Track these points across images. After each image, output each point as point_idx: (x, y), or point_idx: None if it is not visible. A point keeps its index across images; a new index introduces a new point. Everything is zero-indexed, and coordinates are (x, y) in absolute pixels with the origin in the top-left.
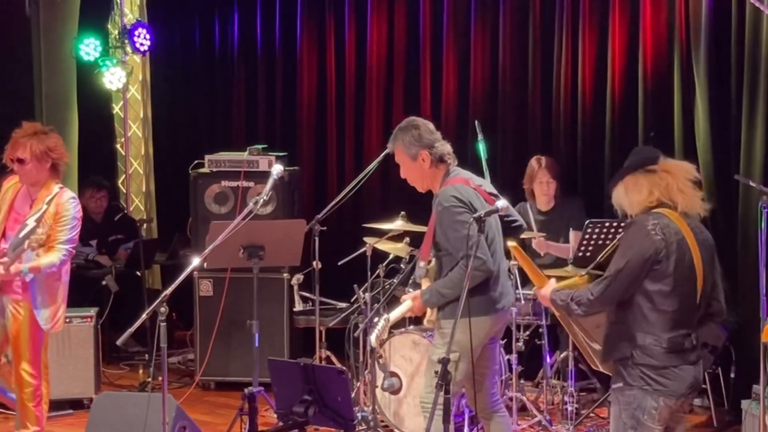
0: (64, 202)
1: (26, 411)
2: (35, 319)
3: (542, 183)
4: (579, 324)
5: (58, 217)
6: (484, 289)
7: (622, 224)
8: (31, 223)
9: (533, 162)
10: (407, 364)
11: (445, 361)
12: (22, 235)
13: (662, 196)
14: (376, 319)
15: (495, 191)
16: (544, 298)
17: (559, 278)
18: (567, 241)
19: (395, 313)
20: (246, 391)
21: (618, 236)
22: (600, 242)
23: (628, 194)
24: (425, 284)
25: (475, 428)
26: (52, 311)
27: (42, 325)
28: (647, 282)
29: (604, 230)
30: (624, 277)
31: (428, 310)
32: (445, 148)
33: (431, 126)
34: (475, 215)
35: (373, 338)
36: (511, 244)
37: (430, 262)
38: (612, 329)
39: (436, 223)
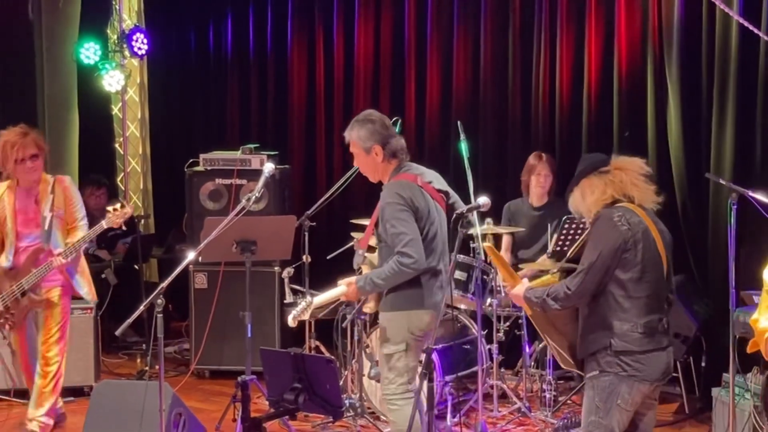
0: (69, 186)
1: (44, 392)
2: (68, 302)
3: (540, 175)
4: (551, 322)
5: (69, 200)
6: (417, 283)
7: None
8: (47, 215)
9: (534, 156)
10: None
11: (428, 351)
12: (45, 228)
13: (616, 193)
14: (299, 300)
15: (446, 188)
16: (517, 297)
17: (532, 277)
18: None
19: (323, 297)
20: (239, 379)
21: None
22: (577, 237)
23: (585, 198)
24: (365, 270)
25: (458, 414)
26: (88, 283)
27: (86, 297)
28: (618, 271)
29: (581, 226)
30: (597, 269)
31: (368, 298)
32: (399, 143)
33: (387, 121)
34: (457, 212)
35: (290, 318)
36: (486, 244)
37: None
38: (587, 323)
39: (378, 215)
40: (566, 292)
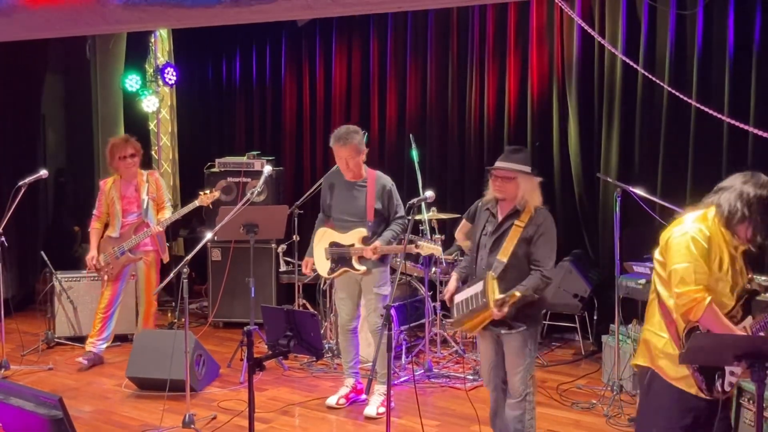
0: (158, 178)
1: (148, 321)
2: (159, 261)
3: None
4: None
5: (159, 188)
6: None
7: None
8: (145, 198)
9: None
10: (362, 307)
11: (387, 307)
12: (144, 207)
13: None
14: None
15: None
16: (500, 314)
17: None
18: None
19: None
20: (245, 328)
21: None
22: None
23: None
24: (356, 240)
25: (410, 355)
26: (166, 248)
27: (165, 258)
28: None
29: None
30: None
31: (359, 268)
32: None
33: None
34: (409, 202)
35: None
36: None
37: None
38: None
39: (383, 194)
40: (548, 279)
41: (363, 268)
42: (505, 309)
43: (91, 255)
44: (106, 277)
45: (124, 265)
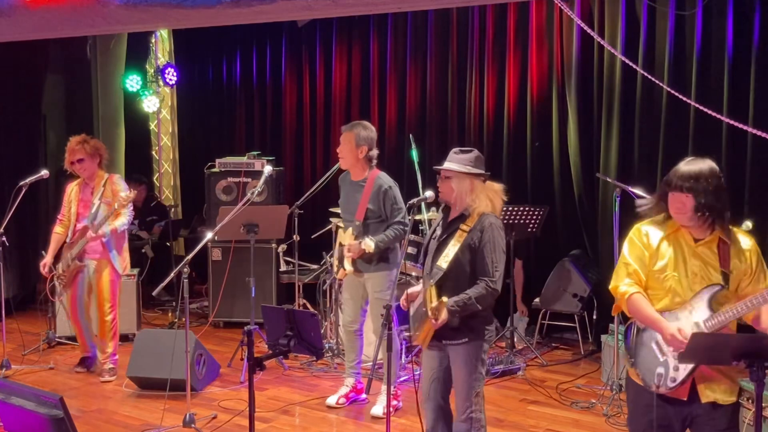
0: (116, 182)
1: (105, 338)
2: (114, 269)
3: None
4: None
5: (115, 194)
6: (396, 249)
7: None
8: (96, 202)
9: None
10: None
11: (387, 307)
12: (92, 211)
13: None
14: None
15: None
16: (442, 323)
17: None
18: None
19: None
20: (245, 328)
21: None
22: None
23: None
24: (349, 239)
25: (411, 356)
26: (123, 258)
27: (119, 270)
28: None
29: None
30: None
31: (346, 268)
32: (374, 153)
33: (375, 137)
34: (409, 202)
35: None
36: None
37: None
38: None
39: (380, 195)
40: (495, 291)
41: (349, 268)
42: (442, 317)
43: (44, 262)
44: (59, 286)
45: (73, 272)
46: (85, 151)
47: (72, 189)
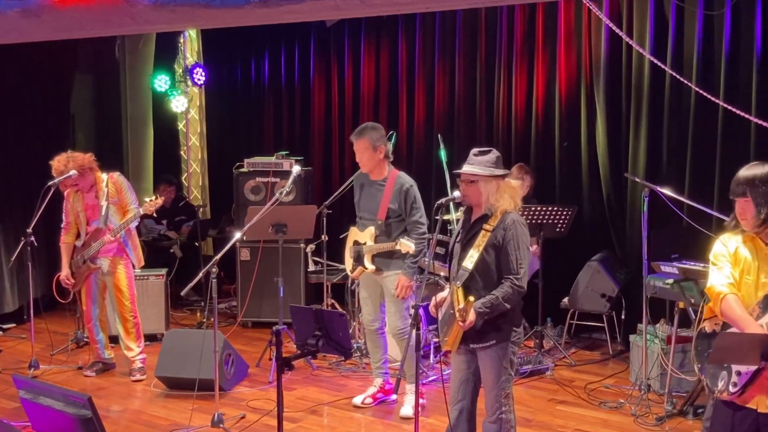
0: (118, 179)
1: (129, 337)
2: (130, 268)
3: (524, 183)
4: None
5: (120, 190)
6: None
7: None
8: (103, 204)
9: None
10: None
11: (416, 307)
12: (102, 213)
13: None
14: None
15: None
16: (470, 324)
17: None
18: None
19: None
20: (274, 328)
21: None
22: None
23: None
24: (370, 239)
25: (439, 356)
26: (138, 253)
27: (136, 263)
28: None
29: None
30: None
31: (367, 267)
32: (390, 148)
33: (384, 132)
34: (437, 202)
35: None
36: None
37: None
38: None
39: (401, 195)
40: (521, 289)
41: (371, 267)
42: (469, 318)
43: (65, 274)
44: (70, 288)
45: (85, 274)
46: (72, 180)
47: (72, 196)
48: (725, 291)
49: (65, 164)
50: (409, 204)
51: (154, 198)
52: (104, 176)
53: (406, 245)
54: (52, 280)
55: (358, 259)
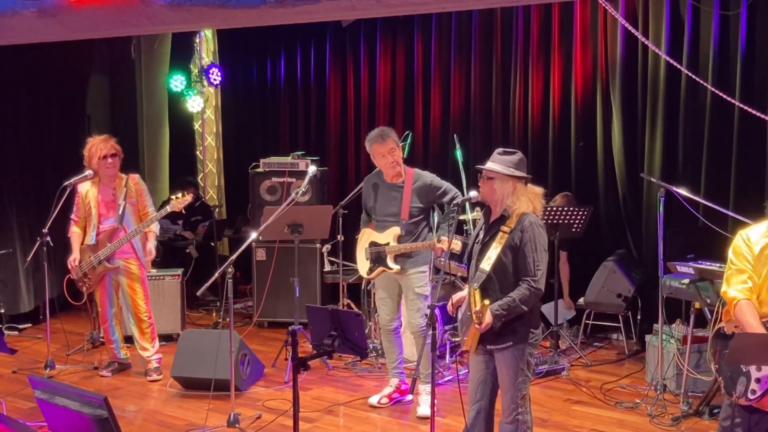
0: (139, 182)
1: (145, 337)
2: (143, 269)
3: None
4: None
5: (140, 193)
6: None
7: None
8: (121, 203)
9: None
10: (403, 308)
11: (432, 307)
12: (119, 213)
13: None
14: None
15: None
16: (486, 327)
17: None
18: None
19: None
20: (290, 328)
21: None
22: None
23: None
24: (392, 239)
25: (455, 356)
26: (148, 259)
27: (146, 265)
28: None
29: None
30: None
31: (392, 267)
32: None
33: None
34: (454, 202)
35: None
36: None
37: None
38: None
39: (433, 191)
40: (538, 291)
41: (396, 267)
42: (486, 320)
43: (73, 257)
44: (84, 288)
45: (101, 274)
46: (115, 147)
47: (87, 190)
48: (739, 297)
49: (106, 139)
50: (439, 194)
51: (181, 195)
52: (124, 176)
53: (456, 243)
54: (70, 280)
55: (378, 260)
